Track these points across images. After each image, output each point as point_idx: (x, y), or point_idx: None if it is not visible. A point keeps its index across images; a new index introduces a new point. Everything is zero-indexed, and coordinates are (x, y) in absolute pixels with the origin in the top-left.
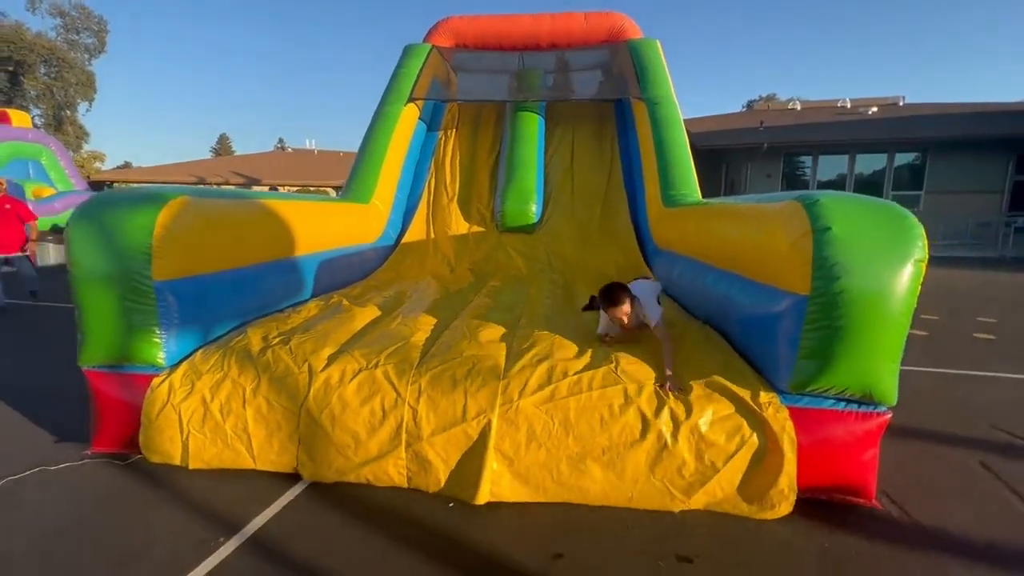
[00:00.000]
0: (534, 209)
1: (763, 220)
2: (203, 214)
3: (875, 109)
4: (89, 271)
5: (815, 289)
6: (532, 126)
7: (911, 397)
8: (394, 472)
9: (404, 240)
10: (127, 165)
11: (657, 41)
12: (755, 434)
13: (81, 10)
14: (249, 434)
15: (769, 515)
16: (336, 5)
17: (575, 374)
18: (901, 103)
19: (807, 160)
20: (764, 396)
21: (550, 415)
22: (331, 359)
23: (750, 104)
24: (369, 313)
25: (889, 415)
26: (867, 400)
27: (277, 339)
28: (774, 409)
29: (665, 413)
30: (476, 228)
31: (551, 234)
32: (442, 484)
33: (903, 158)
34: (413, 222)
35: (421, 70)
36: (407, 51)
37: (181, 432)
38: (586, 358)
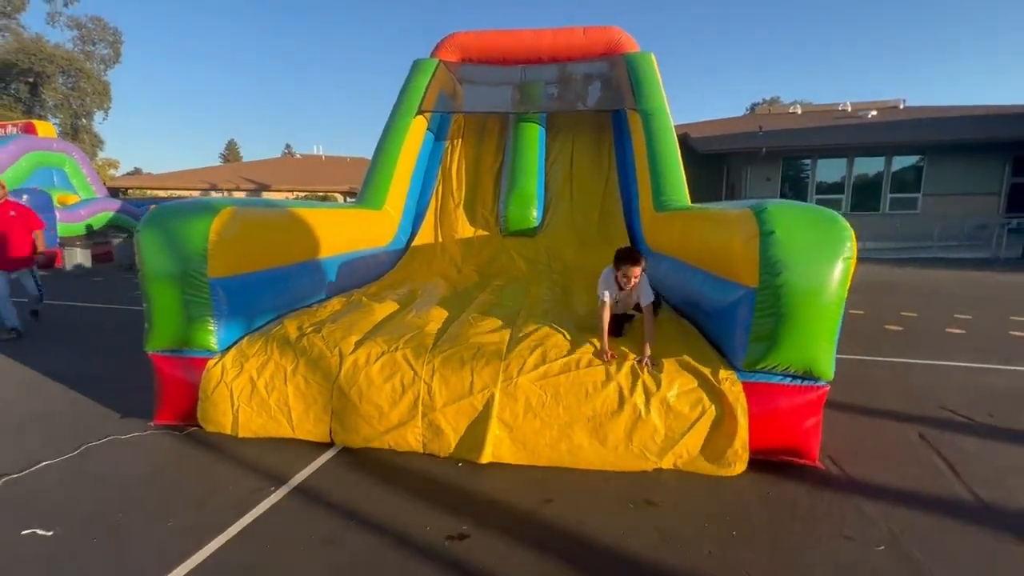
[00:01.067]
0: (535, 214)
1: (724, 224)
2: (245, 221)
3: (874, 113)
4: (156, 270)
5: (762, 282)
6: (533, 136)
7: (870, 384)
8: (412, 438)
9: (414, 244)
10: (137, 171)
11: (652, 55)
12: (714, 405)
13: (96, 22)
14: (290, 407)
15: (727, 472)
16: (345, 9)
17: (565, 356)
18: (901, 106)
19: (807, 163)
20: (723, 373)
21: (544, 390)
22: (358, 344)
23: (753, 107)
24: (387, 308)
25: (827, 388)
26: (808, 375)
27: (310, 328)
28: (730, 383)
29: (639, 387)
30: (481, 232)
31: (551, 238)
32: (452, 448)
33: (901, 161)
34: (422, 227)
35: (429, 84)
36: (416, 66)
37: (232, 406)
38: (576, 342)
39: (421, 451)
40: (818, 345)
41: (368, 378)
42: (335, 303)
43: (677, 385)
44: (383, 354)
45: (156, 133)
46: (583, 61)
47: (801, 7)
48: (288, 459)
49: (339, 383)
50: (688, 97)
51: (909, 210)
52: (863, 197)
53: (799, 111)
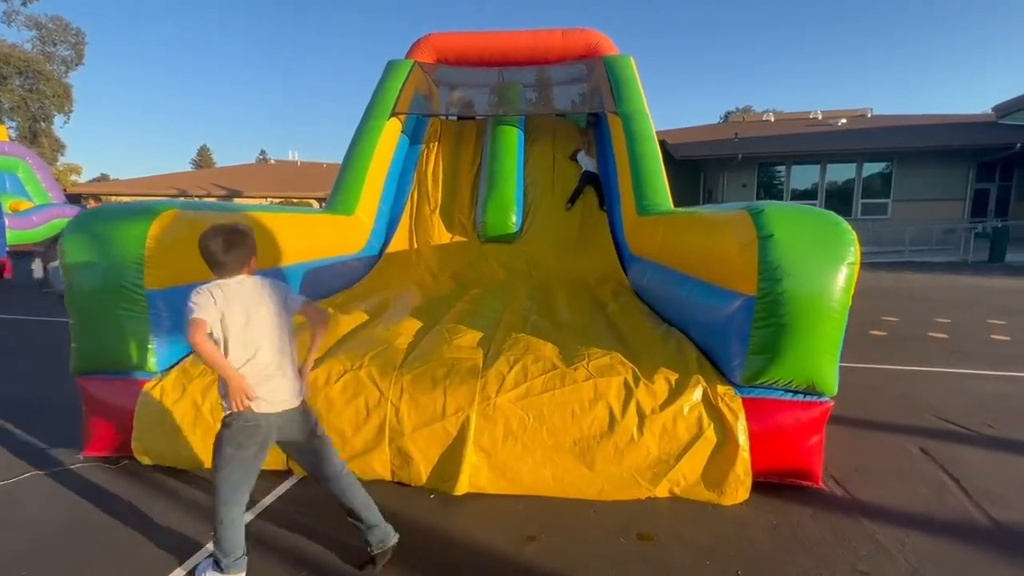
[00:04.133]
0: (514, 219)
1: (716, 228)
2: (193, 225)
3: (844, 121)
4: (83, 281)
5: (761, 290)
6: (511, 139)
7: (863, 392)
8: (379, 466)
9: (388, 250)
10: (104, 178)
11: (631, 58)
12: (712, 424)
13: (57, 21)
14: None
15: (728, 500)
16: (320, 14)
17: (548, 372)
18: (869, 115)
19: (781, 170)
20: (720, 389)
21: (526, 411)
22: (317, 362)
23: (727, 116)
24: (353, 320)
25: (831, 404)
26: (811, 390)
27: None
28: (729, 400)
29: (631, 407)
30: (458, 238)
31: (531, 244)
32: (424, 477)
33: (871, 168)
34: (396, 233)
35: (403, 85)
36: (390, 67)
37: (173, 434)
38: (559, 358)
39: (390, 479)
40: (821, 357)
41: (328, 400)
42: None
43: (672, 404)
44: (345, 373)
45: (125, 139)
46: (561, 64)
47: (771, 19)
48: None
49: None
50: (664, 106)
51: (880, 215)
52: (836, 203)
53: (772, 119)
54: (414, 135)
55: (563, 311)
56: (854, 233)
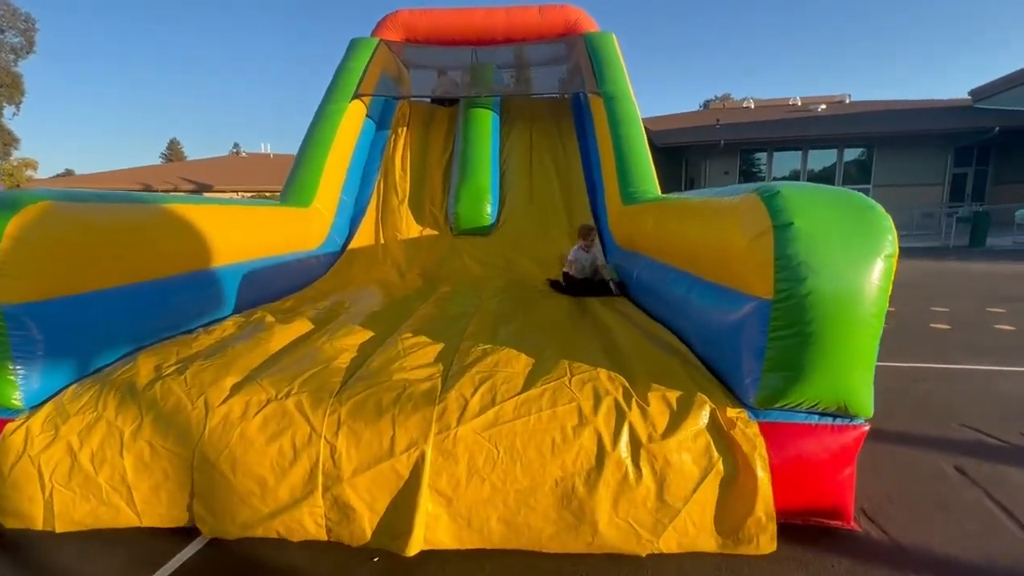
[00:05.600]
0: (489, 210)
1: (719, 216)
2: (81, 221)
3: (823, 107)
4: None
5: (779, 292)
6: (486, 123)
7: (878, 396)
8: (310, 522)
9: (351, 246)
10: (69, 173)
11: (613, 35)
12: (724, 455)
13: (4, 7)
14: (130, 486)
15: (750, 550)
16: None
17: (523, 392)
18: (847, 101)
19: (763, 157)
20: (731, 411)
21: (494, 443)
22: (235, 389)
23: (707, 103)
24: (294, 330)
25: (866, 428)
26: (842, 412)
27: (172, 368)
28: (742, 425)
29: (624, 434)
30: (429, 231)
31: (508, 236)
32: (368, 534)
33: (852, 154)
34: (361, 227)
35: (368, 65)
36: (353, 45)
37: (43, 489)
38: (537, 372)
39: (325, 538)
40: (854, 372)
41: (245, 438)
42: (228, 325)
43: (673, 429)
44: (268, 402)
45: (94, 134)
46: (539, 42)
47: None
48: (128, 561)
49: (202, 448)
50: (643, 94)
51: None
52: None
53: (752, 106)
54: (381, 120)
55: (541, 313)
56: (890, 219)
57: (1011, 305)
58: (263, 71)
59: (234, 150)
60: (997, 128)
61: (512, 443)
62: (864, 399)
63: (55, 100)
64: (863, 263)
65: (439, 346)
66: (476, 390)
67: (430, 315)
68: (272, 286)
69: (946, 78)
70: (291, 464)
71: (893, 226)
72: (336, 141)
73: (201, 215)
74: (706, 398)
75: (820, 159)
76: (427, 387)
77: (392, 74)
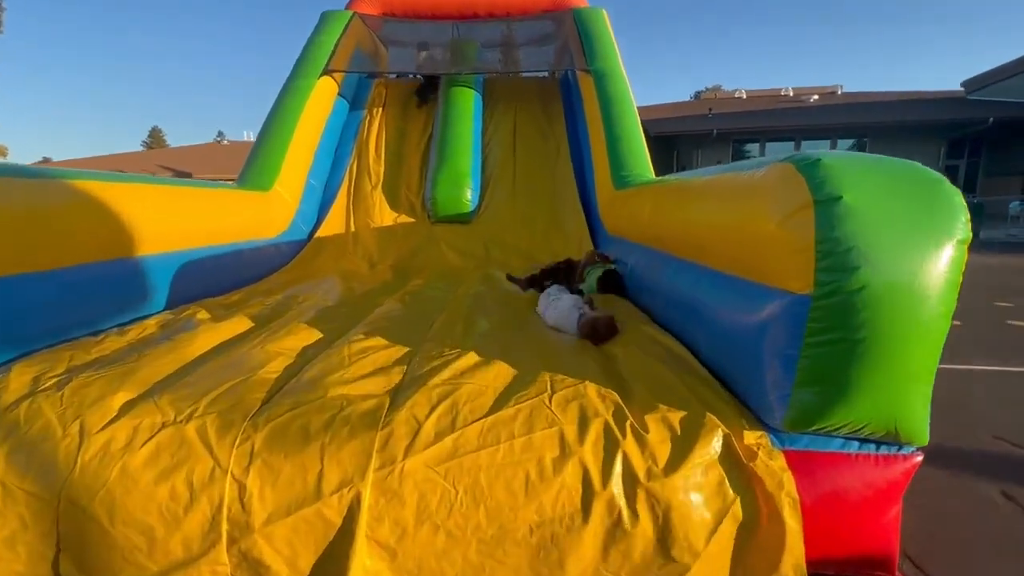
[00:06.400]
0: (469, 196)
1: (739, 193)
2: None
3: (816, 97)
4: None
5: (821, 286)
6: (467, 102)
7: None
8: None
9: (318, 234)
10: (46, 161)
11: (603, 10)
12: (742, 495)
13: None
14: None
15: None
16: None
17: (491, 413)
18: (839, 92)
19: (755, 148)
20: (750, 437)
21: (452, 480)
22: (124, 410)
23: (698, 95)
24: (227, 330)
25: (919, 459)
26: (891, 439)
27: (52, 381)
28: (765, 456)
29: (617, 468)
30: (404, 219)
31: (490, 224)
32: None
33: (845, 144)
34: (330, 213)
35: (340, 39)
36: (324, 18)
37: None
38: (511, 386)
39: None
40: (912, 388)
41: (127, 476)
42: (150, 324)
43: (679, 460)
44: (163, 427)
45: (74, 120)
46: (525, 17)
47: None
48: None
49: (71, 488)
50: (633, 84)
51: None
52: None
53: (744, 96)
54: (355, 100)
55: (521, 310)
56: (960, 194)
57: (1018, 299)
58: (251, 59)
59: (218, 139)
60: (992, 119)
61: (475, 480)
62: (920, 423)
63: (29, 85)
64: (930, 250)
65: (396, 350)
66: (432, 410)
67: (393, 312)
68: (220, 278)
69: (939, 70)
70: (187, 509)
71: (965, 204)
72: (303, 120)
73: (125, 195)
74: (718, 420)
75: (814, 149)
76: (370, 405)
77: (367, 50)
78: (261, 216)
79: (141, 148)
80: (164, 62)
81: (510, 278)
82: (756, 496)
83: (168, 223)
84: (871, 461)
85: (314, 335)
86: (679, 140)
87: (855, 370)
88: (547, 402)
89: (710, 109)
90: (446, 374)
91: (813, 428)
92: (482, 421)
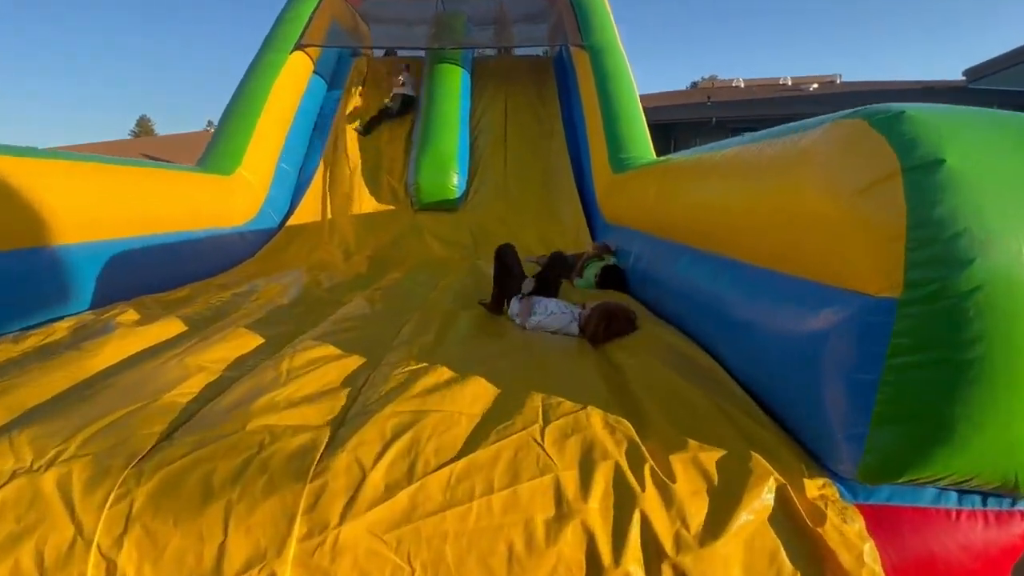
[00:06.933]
0: (455, 181)
1: (781, 165)
2: None
3: (815, 86)
4: None
5: (914, 286)
6: (454, 81)
7: None
8: None
9: (290, 222)
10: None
11: None
12: (804, 569)
13: None
14: None
15: None
16: None
17: (463, 455)
18: (838, 81)
19: None
20: (812, 487)
21: (406, 555)
22: None
23: (694, 84)
24: (150, 336)
25: None
26: (1006, 491)
27: None
28: (837, 516)
29: (634, 533)
30: (386, 206)
31: (478, 212)
32: None
33: None
34: (304, 200)
35: (315, 12)
36: None
37: None
38: (491, 412)
39: None
40: None
41: None
42: (60, 328)
43: (720, 522)
44: (12, 476)
45: (62, 106)
46: None
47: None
48: None
49: None
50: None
51: None
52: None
53: (742, 84)
54: (333, 79)
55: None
56: None
57: None
58: (243, 48)
59: (207, 127)
60: (996, 106)
61: (438, 554)
62: None
63: (16, 70)
64: None
65: (350, 362)
66: (385, 450)
67: (358, 312)
68: (168, 270)
69: (937, 59)
70: None
71: None
72: (272, 98)
73: (41, 173)
74: (768, 465)
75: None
76: (301, 443)
77: (346, 25)
78: (221, 202)
79: (129, 137)
80: (158, 49)
81: (482, 303)
82: (821, 565)
83: (99, 207)
84: (977, 520)
85: (254, 342)
86: (677, 128)
87: (963, 402)
88: (538, 437)
89: (708, 97)
90: (408, 396)
91: (903, 478)
92: (451, 467)
